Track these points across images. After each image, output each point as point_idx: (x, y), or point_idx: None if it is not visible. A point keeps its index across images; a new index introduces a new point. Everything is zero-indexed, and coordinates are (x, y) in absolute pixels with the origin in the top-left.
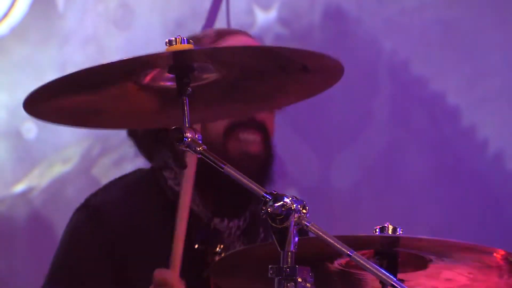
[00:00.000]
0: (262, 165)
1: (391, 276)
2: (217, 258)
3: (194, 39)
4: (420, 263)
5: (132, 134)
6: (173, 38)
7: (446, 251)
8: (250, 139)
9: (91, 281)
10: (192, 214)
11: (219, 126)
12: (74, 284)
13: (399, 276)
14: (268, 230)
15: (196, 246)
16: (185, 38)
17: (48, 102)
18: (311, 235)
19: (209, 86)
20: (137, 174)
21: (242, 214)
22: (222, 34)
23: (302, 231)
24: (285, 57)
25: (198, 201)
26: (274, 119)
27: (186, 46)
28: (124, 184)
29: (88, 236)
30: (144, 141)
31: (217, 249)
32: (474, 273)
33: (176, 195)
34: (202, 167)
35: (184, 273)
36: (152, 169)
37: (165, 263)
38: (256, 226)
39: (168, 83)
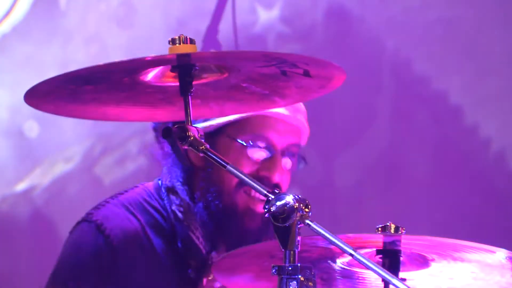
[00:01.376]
0: (264, 223)
1: (393, 275)
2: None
3: None
4: (422, 262)
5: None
6: (176, 37)
7: (447, 251)
8: (262, 199)
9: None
10: (192, 244)
11: (233, 177)
12: None
13: (401, 275)
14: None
15: (190, 271)
16: (188, 37)
17: (49, 95)
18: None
19: (207, 85)
20: (139, 191)
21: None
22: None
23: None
24: (288, 63)
25: (199, 234)
26: (290, 178)
27: (189, 47)
28: (127, 201)
29: (91, 248)
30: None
31: (210, 277)
32: (476, 272)
33: (178, 222)
34: (209, 200)
35: None
36: (156, 187)
37: (161, 283)
38: None
39: (171, 81)
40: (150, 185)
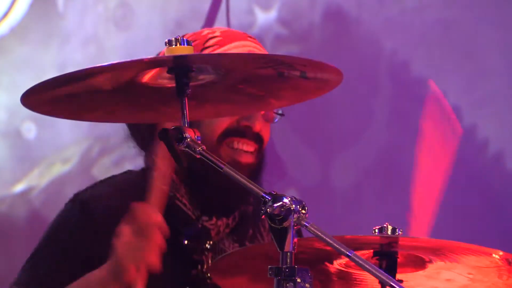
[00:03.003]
0: (251, 175)
1: (390, 277)
2: (206, 254)
3: (195, 38)
4: (419, 264)
5: (135, 134)
6: (173, 39)
7: (444, 252)
8: (245, 150)
9: (73, 266)
10: (180, 212)
11: (214, 130)
12: (57, 264)
13: (398, 276)
14: (257, 228)
15: (186, 242)
16: (185, 39)
17: (45, 96)
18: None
19: (203, 86)
20: (127, 175)
21: (231, 213)
22: (226, 39)
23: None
24: (285, 64)
25: (186, 200)
26: (270, 128)
27: (186, 49)
28: (113, 182)
29: (74, 225)
30: (145, 141)
31: (207, 245)
32: (473, 273)
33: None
34: (192, 166)
35: (172, 269)
36: (142, 170)
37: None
38: (245, 224)
39: (167, 83)
40: (137, 170)
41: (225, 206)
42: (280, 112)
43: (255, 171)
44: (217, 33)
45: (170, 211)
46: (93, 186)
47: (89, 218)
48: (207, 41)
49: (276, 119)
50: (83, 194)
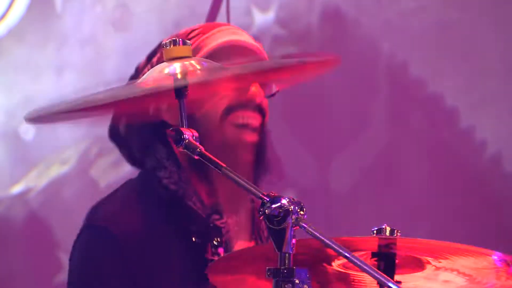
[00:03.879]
0: (257, 154)
1: (388, 278)
2: (214, 250)
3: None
4: (417, 265)
5: (114, 136)
6: (168, 41)
7: (442, 254)
8: (250, 123)
9: None
10: (190, 211)
11: (217, 109)
12: None
13: (397, 277)
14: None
15: (194, 239)
16: (181, 39)
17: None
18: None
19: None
20: (128, 187)
21: (240, 211)
22: (206, 28)
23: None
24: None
25: (196, 199)
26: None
27: (183, 49)
28: (120, 199)
29: (102, 253)
30: (133, 142)
31: (214, 241)
32: (472, 274)
33: (171, 193)
34: (199, 165)
35: (182, 267)
36: (141, 176)
37: (175, 264)
38: (253, 223)
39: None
40: (136, 177)
41: (233, 203)
42: (274, 90)
43: (260, 151)
44: (196, 27)
45: (180, 210)
46: (101, 206)
47: (115, 245)
48: (189, 34)
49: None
50: (96, 219)
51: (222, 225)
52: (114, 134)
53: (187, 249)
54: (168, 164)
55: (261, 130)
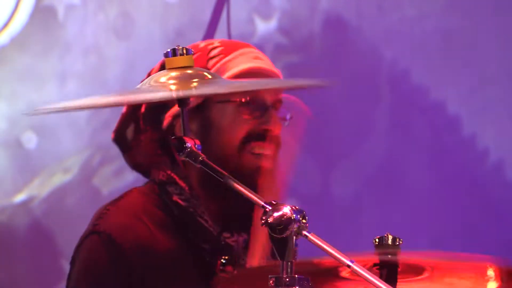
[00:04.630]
0: (272, 179)
1: (391, 287)
2: (222, 268)
3: (198, 50)
4: (420, 270)
5: (119, 140)
6: (170, 50)
7: (444, 263)
8: (266, 154)
9: None
10: (202, 228)
11: (235, 137)
12: None
13: (401, 283)
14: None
15: (207, 258)
16: (185, 48)
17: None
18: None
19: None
20: (135, 195)
21: (248, 228)
22: (228, 48)
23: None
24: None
25: (207, 217)
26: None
27: (186, 59)
28: (127, 206)
29: (105, 261)
30: (139, 150)
31: (222, 259)
32: (475, 277)
33: (183, 211)
34: (209, 184)
35: (189, 284)
36: (149, 188)
37: (181, 278)
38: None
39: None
40: (143, 187)
41: (243, 220)
42: (288, 116)
43: (274, 175)
44: (216, 44)
45: (192, 228)
46: (106, 213)
47: (119, 254)
48: (209, 52)
49: (287, 120)
50: (101, 226)
51: (233, 243)
52: (120, 138)
53: (195, 266)
54: (178, 180)
55: (275, 156)
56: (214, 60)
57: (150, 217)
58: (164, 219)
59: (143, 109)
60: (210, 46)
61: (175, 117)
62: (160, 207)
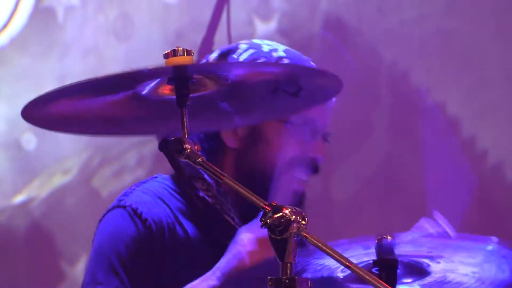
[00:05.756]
0: (302, 200)
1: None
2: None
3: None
4: (420, 271)
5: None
6: (170, 51)
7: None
8: (304, 179)
9: (134, 276)
10: (228, 226)
11: (280, 158)
12: (119, 278)
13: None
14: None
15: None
16: (184, 50)
17: (46, 109)
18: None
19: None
20: (160, 181)
21: None
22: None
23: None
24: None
25: (234, 214)
26: None
27: (186, 59)
28: (153, 188)
29: (131, 232)
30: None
31: None
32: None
33: (210, 207)
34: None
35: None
36: (174, 176)
37: (200, 267)
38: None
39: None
40: (168, 176)
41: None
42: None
43: (304, 196)
44: (280, 52)
45: (217, 224)
46: (131, 191)
47: (144, 227)
48: (277, 61)
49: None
50: (127, 200)
51: None
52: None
53: (215, 258)
54: (206, 176)
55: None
56: None
57: (174, 202)
58: (188, 209)
59: None
60: (275, 53)
61: None
62: (185, 198)
